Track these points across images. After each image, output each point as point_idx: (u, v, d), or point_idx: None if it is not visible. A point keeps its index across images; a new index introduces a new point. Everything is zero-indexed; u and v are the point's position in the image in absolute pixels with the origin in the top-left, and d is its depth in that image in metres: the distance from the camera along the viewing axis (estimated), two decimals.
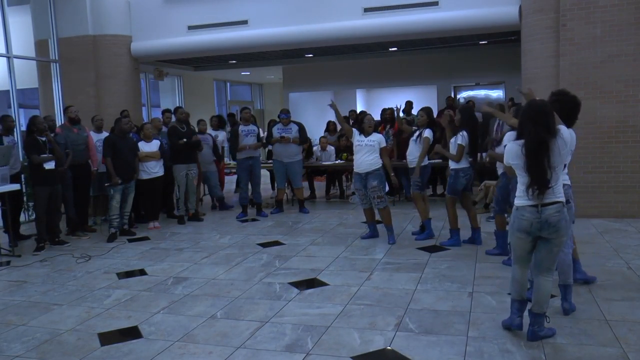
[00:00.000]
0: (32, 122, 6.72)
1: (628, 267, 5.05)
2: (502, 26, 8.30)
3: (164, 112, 9.58)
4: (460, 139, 5.87)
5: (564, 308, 3.99)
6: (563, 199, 3.44)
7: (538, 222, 3.39)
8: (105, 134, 7.97)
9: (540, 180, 3.32)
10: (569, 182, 4.08)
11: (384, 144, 6.39)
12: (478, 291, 4.54)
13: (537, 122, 3.32)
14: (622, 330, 3.65)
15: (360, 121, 6.73)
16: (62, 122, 7.96)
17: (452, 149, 5.96)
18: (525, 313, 3.69)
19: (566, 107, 3.86)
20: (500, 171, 5.60)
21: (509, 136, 4.42)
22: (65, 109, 7.81)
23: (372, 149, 6.30)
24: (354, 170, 6.46)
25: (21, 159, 7.43)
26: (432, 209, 7.23)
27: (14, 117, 8.42)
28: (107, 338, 3.96)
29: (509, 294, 3.86)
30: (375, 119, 7.06)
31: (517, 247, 3.60)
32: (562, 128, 3.44)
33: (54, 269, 5.93)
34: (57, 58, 9.66)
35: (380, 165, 6.32)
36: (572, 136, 3.82)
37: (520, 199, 3.47)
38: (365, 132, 6.37)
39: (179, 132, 8.08)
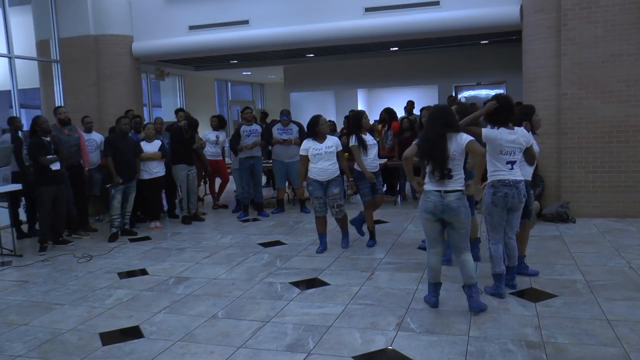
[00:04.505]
0: (36, 122, 6.66)
1: (629, 267, 5.05)
2: (503, 26, 8.29)
3: (178, 111, 9.80)
4: None
5: (513, 284, 4.54)
6: (463, 189, 3.99)
7: (441, 205, 3.98)
8: (95, 134, 8.01)
9: (441, 167, 3.93)
10: (522, 179, 4.38)
11: (340, 148, 6.06)
12: (483, 289, 4.53)
13: (436, 120, 4.03)
14: (624, 330, 3.64)
15: (314, 125, 5.98)
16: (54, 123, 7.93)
17: None
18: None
19: (502, 106, 4.28)
20: None
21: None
22: (55, 110, 7.70)
23: (332, 155, 5.98)
24: (312, 178, 6.00)
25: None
26: None
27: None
28: (108, 338, 3.97)
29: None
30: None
31: (427, 229, 4.16)
32: (485, 130, 4.28)
33: (55, 269, 5.94)
34: (58, 58, 9.67)
35: (339, 171, 6.09)
36: (519, 134, 4.30)
37: (427, 185, 4.07)
38: (320, 138, 5.97)
39: (182, 136, 8.07)
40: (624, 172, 7.06)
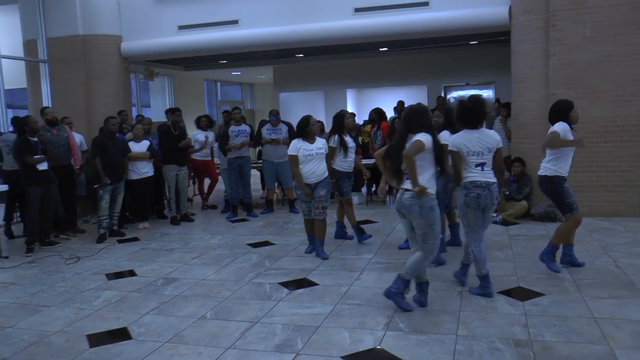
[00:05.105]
0: (25, 122, 6.58)
1: (616, 265, 5.09)
2: (492, 26, 8.32)
3: (167, 111, 9.70)
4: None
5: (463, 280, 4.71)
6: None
7: (399, 202, 4.16)
8: (75, 135, 7.94)
9: (393, 168, 4.15)
10: (495, 181, 4.39)
11: (327, 149, 5.94)
12: (468, 290, 4.55)
13: (401, 122, 4.25)
14: (610, 328, 3.67)
15: (304, 126, 5.78)
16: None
17: None
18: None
19: (465, 109, 4.44)
20: None
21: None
22: (42, 111, 7.61)
23: (322, 157, 5.82)
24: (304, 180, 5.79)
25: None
26: None
27: (2, 118, 8.41)
28: (96, 339, 3.94)
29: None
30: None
31: (402, 224, 4.35)
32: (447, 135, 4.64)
33: (42, 270, 5.89)
34: (46, 58, 9.59)
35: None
36: (484, 134, 4.36)
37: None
38: (311, 139, 5.80)
39: (170, 134, 8.04)
40: (612, 172, 7.11)
